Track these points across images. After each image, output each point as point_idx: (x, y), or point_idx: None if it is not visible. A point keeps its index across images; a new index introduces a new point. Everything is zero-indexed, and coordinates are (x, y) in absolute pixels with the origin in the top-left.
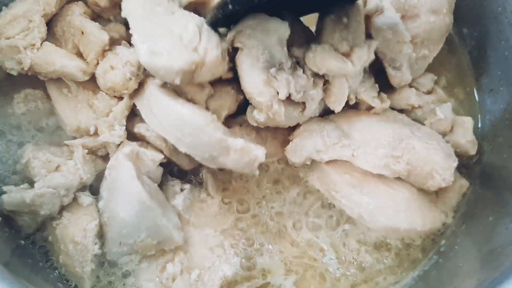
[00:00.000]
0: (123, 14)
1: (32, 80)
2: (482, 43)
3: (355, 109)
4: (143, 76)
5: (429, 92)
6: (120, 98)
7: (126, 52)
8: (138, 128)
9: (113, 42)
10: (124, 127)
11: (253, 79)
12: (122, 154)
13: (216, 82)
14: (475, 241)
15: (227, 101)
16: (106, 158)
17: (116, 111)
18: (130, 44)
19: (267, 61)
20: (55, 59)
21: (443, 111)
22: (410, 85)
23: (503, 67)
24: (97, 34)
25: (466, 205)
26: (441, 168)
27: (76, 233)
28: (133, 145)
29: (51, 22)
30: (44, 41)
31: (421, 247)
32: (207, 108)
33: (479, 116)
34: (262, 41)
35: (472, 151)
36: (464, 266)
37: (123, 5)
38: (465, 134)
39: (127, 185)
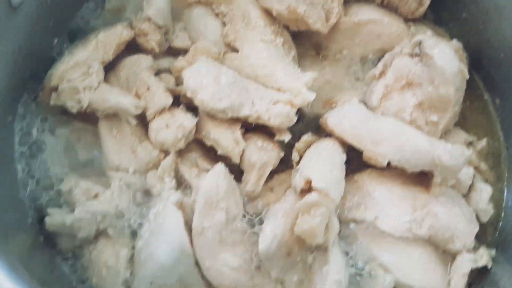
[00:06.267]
0: None
1: (85, 116)
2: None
3: (379, 170)
4: (191, 139)
5: None
6: (162, 150)
7: (182, 116)
8: None
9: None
10: (174, 179)
11: None
12: (171, 203)
13: (263, 138)
14: None
15: (272, 157)
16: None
17: (165, 166)
18: (187, 110)
19: None
20: (110, 97)
21: (464, 174)
22: None
23: None
24: (162, 96)
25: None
26: (462, 234)
27: (109, 258)
28: (178, 194)
29: (116, 66)
30: (100, 83)
31: None
32: (245, 165)
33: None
34: None
35: (484, 218)
36: None
37: None
38: (480, 202)
39: (173, 233)
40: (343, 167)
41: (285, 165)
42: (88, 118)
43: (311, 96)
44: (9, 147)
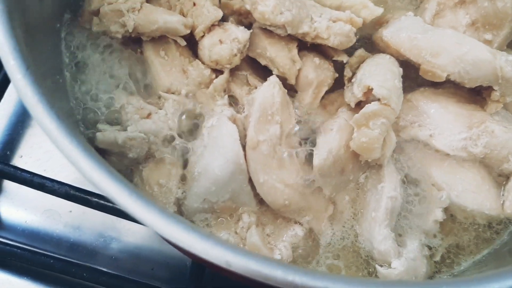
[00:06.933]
0: None
1: (131, 42)
2: None
3: (433, 88)
4: (245, 53)
5: None
6: (213, 69)
7: (235, 29)
8: None
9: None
10: (227, 96)
11: None
12: (225, 116)
13: (319, 56)
14: None
15: (328, 76)
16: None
17: (217, 84)
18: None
19: None
20: (157, 17)
21: None
22: None
23: None
24: (211, 10)
25: None
26: None
27: (161, 176)
28: (232, 110)
29: None
30: (143, 3)
31: (493, 228)
32: (300, 83)
33: None
34: None
35: None
36: None
37: None
38: None
39: (228, 145)
40: (401, 80)
41: (334, 86)
42: (130, 43)
43: (379, 10)
44: (57, 55)
